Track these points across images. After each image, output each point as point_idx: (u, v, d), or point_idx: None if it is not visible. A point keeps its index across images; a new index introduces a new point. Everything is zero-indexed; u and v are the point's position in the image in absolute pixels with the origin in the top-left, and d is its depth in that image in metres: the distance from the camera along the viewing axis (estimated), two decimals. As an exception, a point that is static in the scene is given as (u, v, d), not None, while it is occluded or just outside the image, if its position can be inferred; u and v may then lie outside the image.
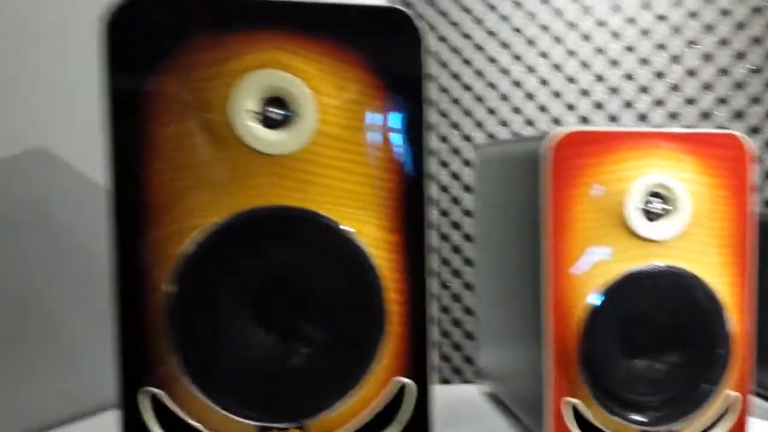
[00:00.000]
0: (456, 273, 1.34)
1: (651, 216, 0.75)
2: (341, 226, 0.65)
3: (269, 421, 0.65)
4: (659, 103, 1.28)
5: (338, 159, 0.65)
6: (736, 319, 0.76)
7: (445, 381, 1.37)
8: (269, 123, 0.63)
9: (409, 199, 0.68)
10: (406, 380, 0.68)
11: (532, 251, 0.78)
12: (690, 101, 1.24)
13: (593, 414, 0.74)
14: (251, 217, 0.63)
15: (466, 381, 1.36)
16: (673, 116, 1.28)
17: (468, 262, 1.33)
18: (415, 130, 0.67)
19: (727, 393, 0.77)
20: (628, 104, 1.29)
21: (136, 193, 0.62)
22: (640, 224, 0.74)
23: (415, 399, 0.68)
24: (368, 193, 0.66)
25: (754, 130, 1.26)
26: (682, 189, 0.75)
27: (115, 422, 0.65)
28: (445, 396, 1.02)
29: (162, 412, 0.65)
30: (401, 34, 0.66)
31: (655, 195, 0.75)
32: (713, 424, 0.78)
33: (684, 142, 0.76)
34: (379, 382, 0.68)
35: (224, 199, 0.63)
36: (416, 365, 0.69)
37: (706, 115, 1.26)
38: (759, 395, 1.01)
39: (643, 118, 1.30)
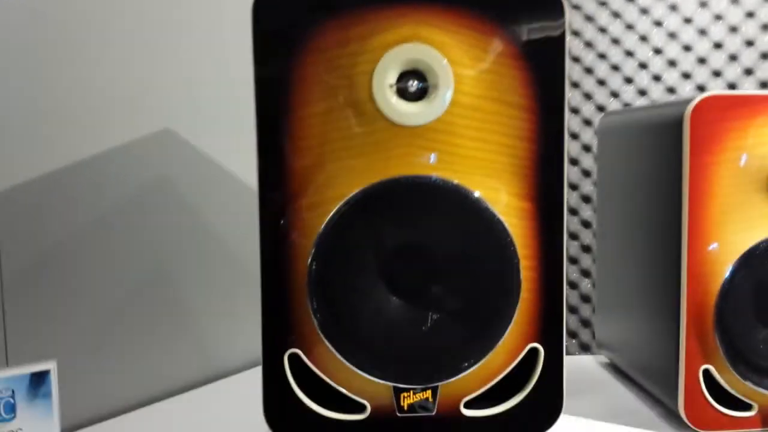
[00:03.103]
0: (574, 236, 1.40)
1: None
2: (476, 194, 0.71)
3: (403, 382, 0.73)
4: None
5: (474, 129, 0.70)
6: None
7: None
8: (408, 95, 0.69)
9: (543, 167, 0.73)
10: (537, 345, 0.75)
11: (666, 221, 0.82)
12: None
13: (726, 380, 0.80)
14: (389, 187, 0.69)
15: (582, 345, 1.42)
16: None
17: (586, 224, 1.38)
18: (552, 100, 0.72)
19: None
20: (749, 71, 1.30)
21: (282, 165, 0.70)
22: (784, 188, 0.78)
23: (545, 364, 0.75)
24: (503, 162, 0.72)
25: None
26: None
27: (257, 382, 0.74)
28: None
29: (302, 373, 0.73)
30: (540, 4, 0.70)
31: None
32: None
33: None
34: (512, 348, 0.74)
35: (365, 170, 0.69)
36: (549, 331, 0.74)
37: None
38: None
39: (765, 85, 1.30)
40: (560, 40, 0.71)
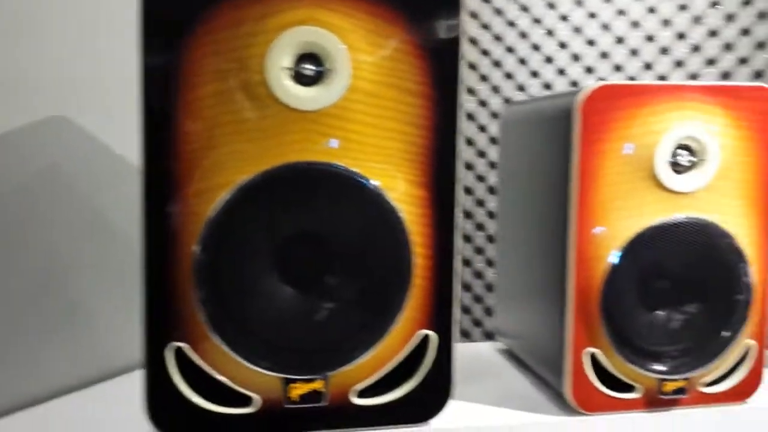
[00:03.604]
0: (480, 227, 1.43)
1: (678, 169, 0.82)
2: (371, 181, 0.71)
3: (293, 373, 0.72)
4: (679, 64, 1.34)
5: (371, 115, 0.70)
6: (757, 269, 0.84)
7: (464, 333, 1.47)
8: (303, 79, 0.69)
9: (439, 155, 0.74)
10: (429, 332, 0.76)
11: (557, 206, 0.85)
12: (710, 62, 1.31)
13: (612, 363, 0.83)
14: (281, 173, 0.69)
15: (487, 333, 1.46)
16: (693, 77, 1.35)
17: (492, 215, 1.41)
18: (448, 88, 0.73)
19: (745, 341, 0.86)
20: (648, 66, 1.36)
21: (169, 150, 0.68)
22: (668, 177, 0.81)
23: (437, 351, 0.76)
24: (400, 149, 0.72)
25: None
26: (711, 141, 0.82)
27: (140, 381, 0.72)
28: (460, 353, 1.10)
29: (187, 368, 0.72)
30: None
31: (684, 148, 0.82)
32: (730, 372, 0.86)
33: (715, 95, 0.81)
34: (403, 335, 0.75)
35: (258, 156, 0.68)
36: (440, 318, 0.76)
37: (726, 75, 1.33)
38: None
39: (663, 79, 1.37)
40: (456, 27, 0.72)
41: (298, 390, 0.73)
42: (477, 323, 1.49)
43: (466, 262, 1.49)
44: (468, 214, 1.46)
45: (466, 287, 1.49)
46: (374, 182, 0.71)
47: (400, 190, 0.72)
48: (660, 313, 0.83)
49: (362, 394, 0.76)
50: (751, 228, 0.84)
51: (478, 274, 1.47)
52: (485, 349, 1.13)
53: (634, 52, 1.39)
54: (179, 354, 0.71)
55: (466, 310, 1.47)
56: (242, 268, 0.70)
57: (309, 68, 0.69)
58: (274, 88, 0.68)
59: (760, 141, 0.83)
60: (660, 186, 0.81)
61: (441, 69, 0.72)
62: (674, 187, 0.81)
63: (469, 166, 1.45)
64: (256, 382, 0.73)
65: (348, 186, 0.70)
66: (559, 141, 0.84)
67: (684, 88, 0.81)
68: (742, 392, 0.87)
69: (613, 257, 0.80)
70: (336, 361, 0.73)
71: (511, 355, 1.08)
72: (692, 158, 0.82)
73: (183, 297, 0.70)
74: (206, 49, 0.67)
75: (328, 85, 0.69)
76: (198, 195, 0.69)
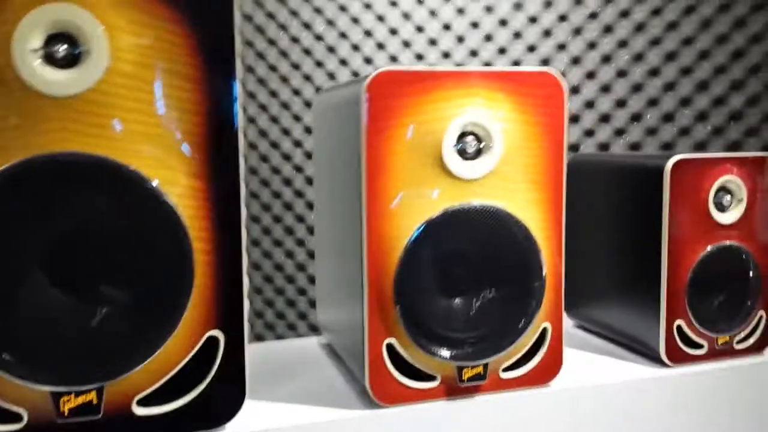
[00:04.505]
0: (300, 218, 1.41)
1: (465, 155, 0.84)
2: (139, 172, 0.66)
3: (63, 385, 0.67)
4: (474, 53, 1.39)
5: (135, 100, 0.66)
6: (549, 253, 0.87)
7: (291, 327, 1.45)
8: (57, 62, 0.63)
9: (216, 143, 0.70)
10: (216, 333, 0.73)
11: (353, 195, 0.84)
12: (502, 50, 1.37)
13: (410, 354, 0.83)
14: (36, 166, 0.63)
15: (312, 326, 1.44)
16: (488, 64, 1.40)
17: (311, 206, 1.40)
18: (222, 70, 0.69)
19: (542, 324, 0.89)
20: (446, 55, 1.40)
21: None
22: (455, 163, 0.81)
23: (226, 353, 0.73)
24: (170, 137, 0.68)
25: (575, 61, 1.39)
26: (496, 127, 0.83)
27: None
28: (282, 349, 1.07)
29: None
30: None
31: (470, 134, 0.84)
32: (528, 356, 0.89)
33: (500, 80, 0.83)
34: (188, 338, 0.71)
35: (8, 147, 0.62)
36: (228, 318, 0.73)
37: (516, 63, 1.39)
38: (583, 328, 1.17)
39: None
40: (228, 4, 0.69)
41: (70, 403, 0.68)
42: (302, 316, 1.48)
43: (289, 254, 1.47)
44: (288, 206, 1.44)
45: (290, 280, 1.47)
46: (144, 174, 0.67)
47: (172, 180, 0.69)
48: (456, 300, 0.84)
49: (145, 402, 0.71)
50: (541, 212, 0.87)
51: (301, 267, 1.46)
52: (308, 344, 1.11)
53: (432, 42, 1.42)
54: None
55: (290, 303, 1.46)
56: (-1, 272, 0.63)
57: (62, 50, 0.63)
58: (22, 72, 0.62)
59: (545, 126, 0.86)
60: (448, 172, 0.82)
61: (213, 50, 0.69)
62: (461, 173, 0.82)
63: (286, 157, 1.44)
64: (24, 397, 0.67)
65: (116, 179, 0.66)
66: (351, 128, 0.83)
67: (469, 74, 0.82)
68: (544, 375, 0.90)
69: (406, 244, 0.80)
70: (111, 370, 0.68)
71: (331, 350, 1.07)
72: (478, 144, 0.83)
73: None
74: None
75: (84, 68, 0.64)
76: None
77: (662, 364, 0.98)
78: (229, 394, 0.74)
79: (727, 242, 0.98)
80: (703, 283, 0.97)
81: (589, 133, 1.39)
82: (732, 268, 0.99)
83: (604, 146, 1.39)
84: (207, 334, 0.72)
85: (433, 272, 0.82)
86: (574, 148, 1.41)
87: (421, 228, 0.81)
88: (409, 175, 0.81)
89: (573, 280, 1.17)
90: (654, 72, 1.38)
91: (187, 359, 0.72)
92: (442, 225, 0.81)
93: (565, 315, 1.28)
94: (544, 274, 0.86)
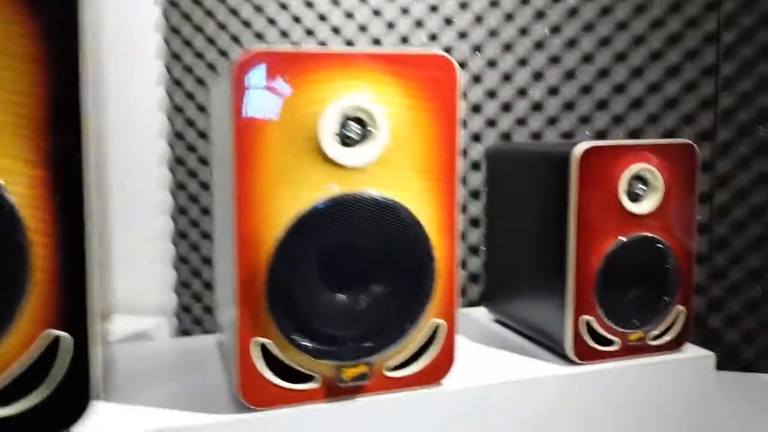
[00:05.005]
0: (193, 198, 1.37)
1: (348, 141, 0.78)
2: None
3: None
4: (377, 42, 1.33)
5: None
6: (441, 246, 0.82)
7: (206, 332, 1.40)
8: None
9: (57, 129, 0.65)
10: (59, 333, 0.68)
11: (226, 186, 0.79)
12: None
13: (287, 354, 0.77)
14: None
15: (207, 332, 1.40)
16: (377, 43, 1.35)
17: (205, 186, 1.35)
18: (63, 51, 0.64)
19: (432, 321, 0.84)
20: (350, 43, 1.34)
21: None
22: (336, 150, 0.76)
23: (71, 353, 0.68)
24: (6, 122, 0.63)
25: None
26: (381, 112, 0.78)
27: None
28: (191, 346, 1.03)
29: None
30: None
31: (353, 119, 0.78)
32: (420, 353, 0.84)
33: (387, 63, 0.77)
34: (27, 336, 0.66)
35: None
36: (72, 317, 0.68)
37: (404, 40, 1.32)
38: (500, 322, 1.12)
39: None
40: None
41: None
42: (197, 321, 1.45)
43: (183, 260, 1.44)
44: (181, 185, 1.40)
45: (185, 285, 1.43)
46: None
47: (12, 170, 0.64)
48: (339, 296, 0.79)
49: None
50: (433, 203, 0.82)
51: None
52: (205, 342, 1.06)
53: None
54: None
55: (186, 308, 1.43)
56: None
57: None
58: None
59: (436, 111, 0.81)
60: (328, 160, 0.77)
61: (55, 29, 0.63)
62: (343, 161, 0.77)
63: (179, 136, 1.39)
64: None
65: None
66: (225, 114, 0.78)
67: (352, 57, 0.77)
68: (434, 374, 0.85)
69: (278, 239, 0.75)
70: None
71: (221, 346, 1.02)
72: (361, 130, 0.78)
73: None
74: None
75: None
76: None
77: (570, 361, 0.94)
78: (74, 397, 0.69)
79: (642, 233, 0.93)
80: (615, 276, 0.92)
81: (491, 123, 1.34)
82: (648, 260, 0.95)
83: (506, 136, 1.33)
84: (48, 334, 0.67)
85: (311, 267, 0.77)
86: (476, 137, 1.35)
87: (297, 220, 0.76)
88: (284, 164, 0.75)
89: (492, 272, 1.13)
90: (555, 60, 1.32)
91: (25, 361, 0.67)
92: (321, 216, 0.76)
93: (484, 309, 1.25)
94: (434, 268, 0.81)
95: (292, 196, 0.76)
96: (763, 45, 1.21)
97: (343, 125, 0.77)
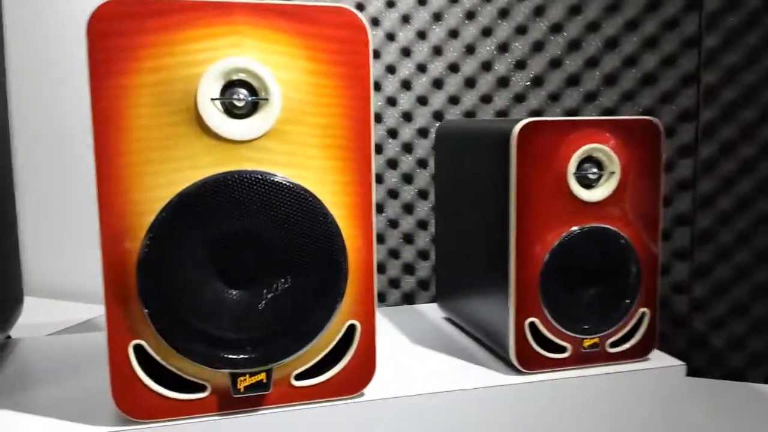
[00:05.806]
0: None
1: (232, 112, 0.68)
2: None
3: None
4: None
5: None
6: (352, 235, 0.72)
7: None
8: None
9: None
10: None
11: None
12: None
13: (169, 359, 0.68)
14: None
15: None
16: None
17: None
18: None
19: (347, 322, 0.73)
20: None
21: None
22: (218, 120, 0.65)
23: None
24: None
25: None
26: (272, 76, 0.68)
27: None
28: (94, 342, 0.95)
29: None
30: None
31: (240, 84, 0.68)
32: (330, 360, 0.74)
33: (278, 17, 0.67)
34: None
35: None
36: None
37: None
38: (450, 321, 1.00)
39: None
40: None
41: None
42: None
43: None
44: None
45: None
46: None
47: None
48: (230, 293, 0.69)
49: None
50: (341, 185, 0.72)
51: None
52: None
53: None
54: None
55: None
56: None
57: None
58: None
59: (344, 77, 0.70)
60: (210, 132, 0.67)
61: None
62: (228, 134, 0.67)
63: None
64: None
65: None
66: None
67: (232, 6, 0.66)
68: (351, 384, 0.76)
69: (149, 226, 0.65)
70: None
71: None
72: (251, 98, 0.68)
73: None
74: None
75: None
76: None
77: (515, 369, 0.83)
78: None
79: (595, 224, 0.82)
80: (563, 272, 0.81)
81: (454, 100, 1.21)
82: (602, 254, 0.83)
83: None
84: None
85: (191, 258, 0.67)
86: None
87: (172, 203, 0.66)
88: (155, 136, 0.65)
89: (440, 266, 1.02)
90: (521, 30, 1.19)
91: None
92: (201, 199, 0.66)
93: (435, 306, 1.14)
94: (343, 260, 0.71)
95: (167, 176, 0.66)
96: (751, 12, 1.09)
97: (226, 91, 0.67)
